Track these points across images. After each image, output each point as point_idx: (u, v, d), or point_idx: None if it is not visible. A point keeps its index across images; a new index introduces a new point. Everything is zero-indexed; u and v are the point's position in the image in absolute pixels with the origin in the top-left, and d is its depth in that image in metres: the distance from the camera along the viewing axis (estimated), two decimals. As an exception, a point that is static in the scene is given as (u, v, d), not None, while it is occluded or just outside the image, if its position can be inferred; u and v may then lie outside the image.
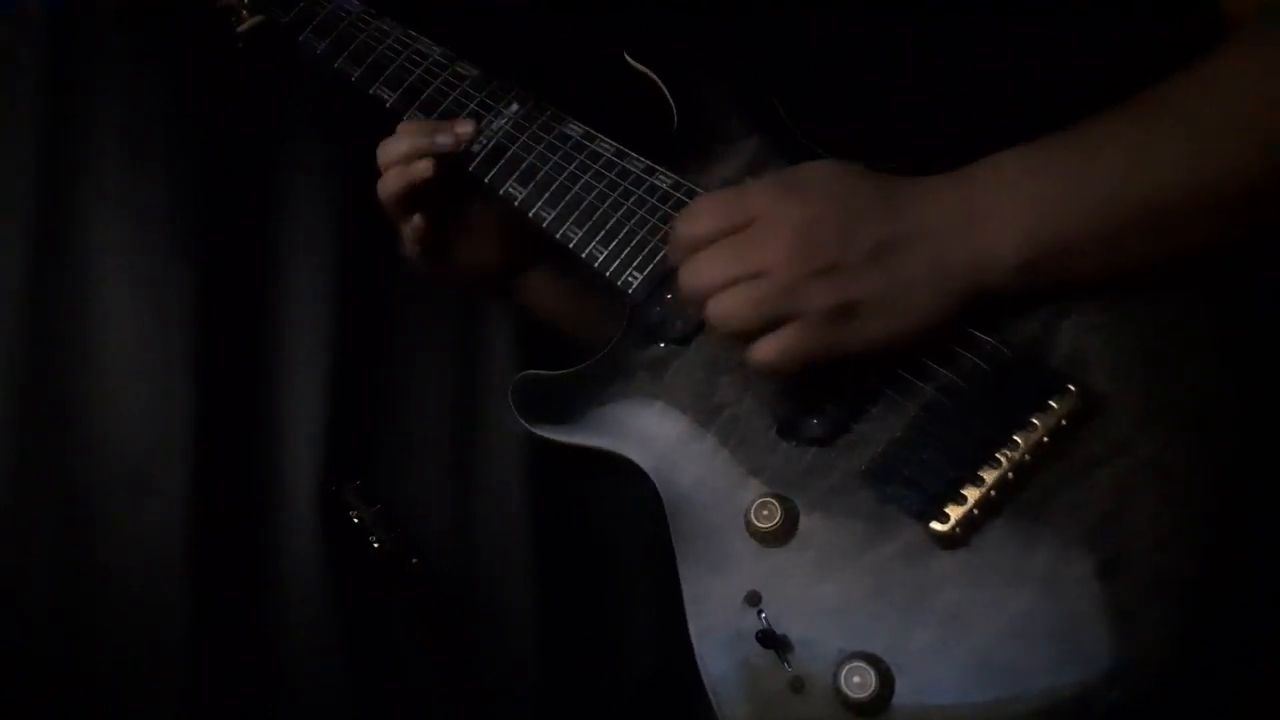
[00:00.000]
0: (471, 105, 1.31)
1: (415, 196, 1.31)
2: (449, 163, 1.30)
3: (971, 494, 0.97)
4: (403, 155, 1.29)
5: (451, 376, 2.03)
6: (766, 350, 1.01)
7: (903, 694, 0.95)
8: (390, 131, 1.33)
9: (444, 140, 1.30)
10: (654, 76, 1.26)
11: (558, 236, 1.24)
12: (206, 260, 1.85)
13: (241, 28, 1.45)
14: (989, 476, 0.97)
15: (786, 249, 1.00)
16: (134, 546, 1.79)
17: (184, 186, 1.84)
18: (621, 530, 1.97)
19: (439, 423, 2.03)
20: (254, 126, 1.90)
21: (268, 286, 1.93)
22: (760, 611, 1.02)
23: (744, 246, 1.02)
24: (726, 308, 1.02)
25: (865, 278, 0.99)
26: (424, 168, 1.29)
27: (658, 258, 1.18)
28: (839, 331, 1.00)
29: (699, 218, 1.06)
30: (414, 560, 1.87)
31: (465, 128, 1.30)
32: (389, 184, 1.31)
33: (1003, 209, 0.99)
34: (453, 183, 1.31)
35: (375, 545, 1.84)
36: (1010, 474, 0.97)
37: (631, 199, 1.21)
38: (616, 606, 2.01)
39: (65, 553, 1.77)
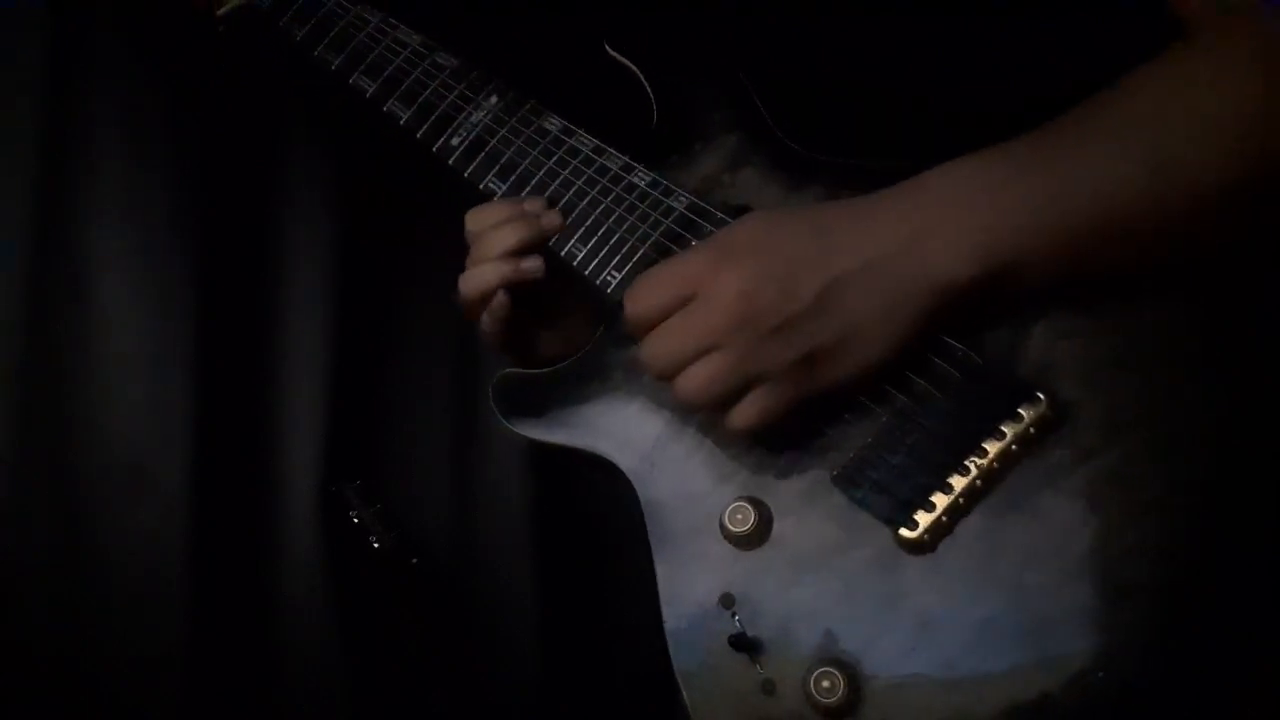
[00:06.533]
0: (451, 96, 1.30)
1: (517, 291, 1.21)
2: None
3: (941, 501, 0.97)
4: (510, 249, 1.19)
5: (452, 376, 2.03)
6: (743, 418, 1.02)
7: (871, 699, 0.96)
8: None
9: (551, 223, 1.21)
10: (634, 68, 1.25)
11: None
12: (206, 260, 1.86)
13: (222, 10, 1.44)
14: (958, 484, 0.97)
15: (734, 318, 1.00)
16: (134, 545, 1.80)
17: (184, 187, 1.84)
18: (621, 529, 1.96)
19: (439, 423, 2.02)
20: (255, 127, 1.90)
21: (268, 286, 1.93)
22: (734, 614, 1.02)
23: (691, 323, 1.02)
24: (693, 387, 1.02)
25: (818, 325, 0.99)
26: (537, 267, 1.20)
27: (636, 256, 1.17)
28: (807, 379, 1.01)
29: (642, 298, 1.06)
30: (414, 560, 1.88)
31: (554, 220, 1.22)
32: (488, 278, 1.20)
33: (949, 224, 0.99)
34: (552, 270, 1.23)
35: (375, 545, 1.85)
36: (979, 481, 0.97)
37: (610, 197, 1.20)
38: (616, 605, 2.01)
39: (65, 551, 1.77)
